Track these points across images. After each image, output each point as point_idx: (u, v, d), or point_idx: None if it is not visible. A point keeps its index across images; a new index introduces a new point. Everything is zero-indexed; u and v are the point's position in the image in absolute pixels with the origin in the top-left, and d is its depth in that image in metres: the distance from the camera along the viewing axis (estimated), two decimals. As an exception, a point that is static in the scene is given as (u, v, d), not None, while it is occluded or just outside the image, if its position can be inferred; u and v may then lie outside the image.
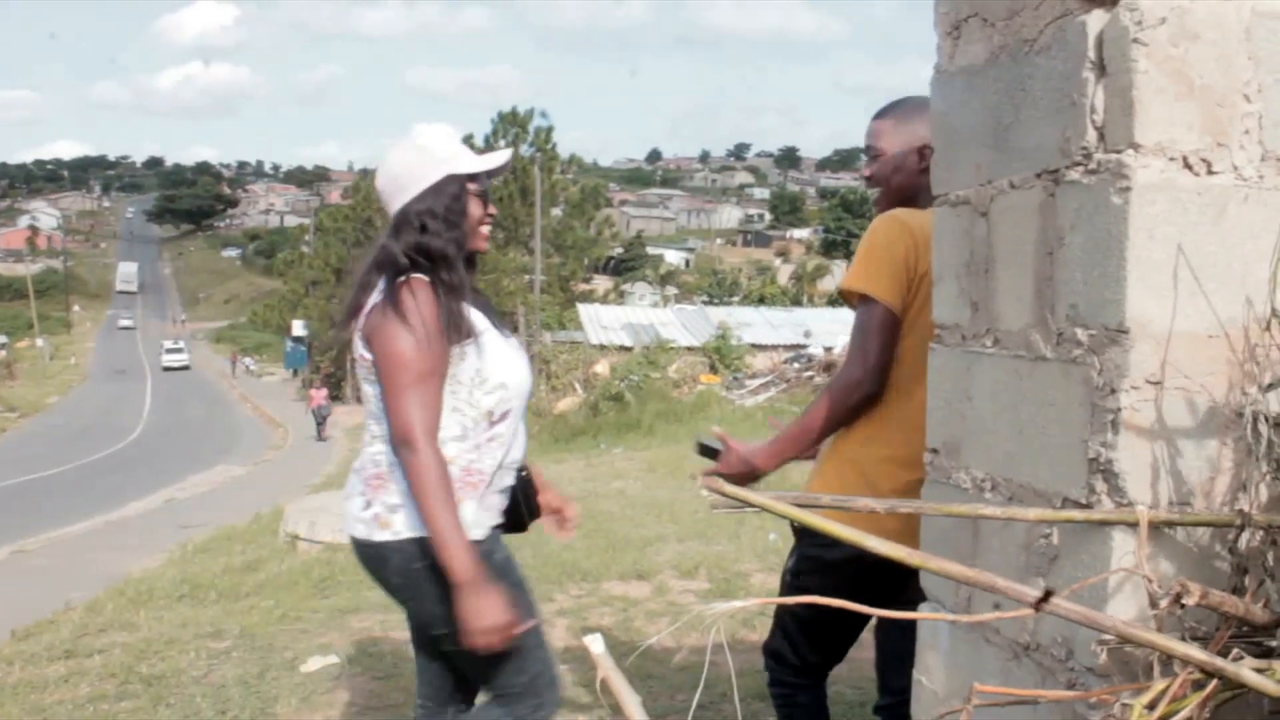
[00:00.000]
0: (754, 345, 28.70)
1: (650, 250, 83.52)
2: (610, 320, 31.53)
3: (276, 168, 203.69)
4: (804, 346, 29.31)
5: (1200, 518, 1.28)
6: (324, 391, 29.74)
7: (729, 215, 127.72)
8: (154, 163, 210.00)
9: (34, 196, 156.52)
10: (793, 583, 2.33)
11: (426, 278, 2.10)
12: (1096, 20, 1.30)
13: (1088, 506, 1.32)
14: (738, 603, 1.20)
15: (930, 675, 1.77)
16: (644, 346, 26.08)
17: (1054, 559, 1.40)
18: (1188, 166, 1.27)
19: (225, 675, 4.21)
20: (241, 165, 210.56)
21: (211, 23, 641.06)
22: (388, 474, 2.13)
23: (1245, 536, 1.25)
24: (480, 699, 2.38)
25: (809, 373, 24.33)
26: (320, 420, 28.12)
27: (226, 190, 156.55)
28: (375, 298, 2.13)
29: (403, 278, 2.09)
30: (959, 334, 1.67)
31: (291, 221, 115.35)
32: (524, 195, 35.45)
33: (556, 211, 40.41)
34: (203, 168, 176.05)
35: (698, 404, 20.42)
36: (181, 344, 61.36)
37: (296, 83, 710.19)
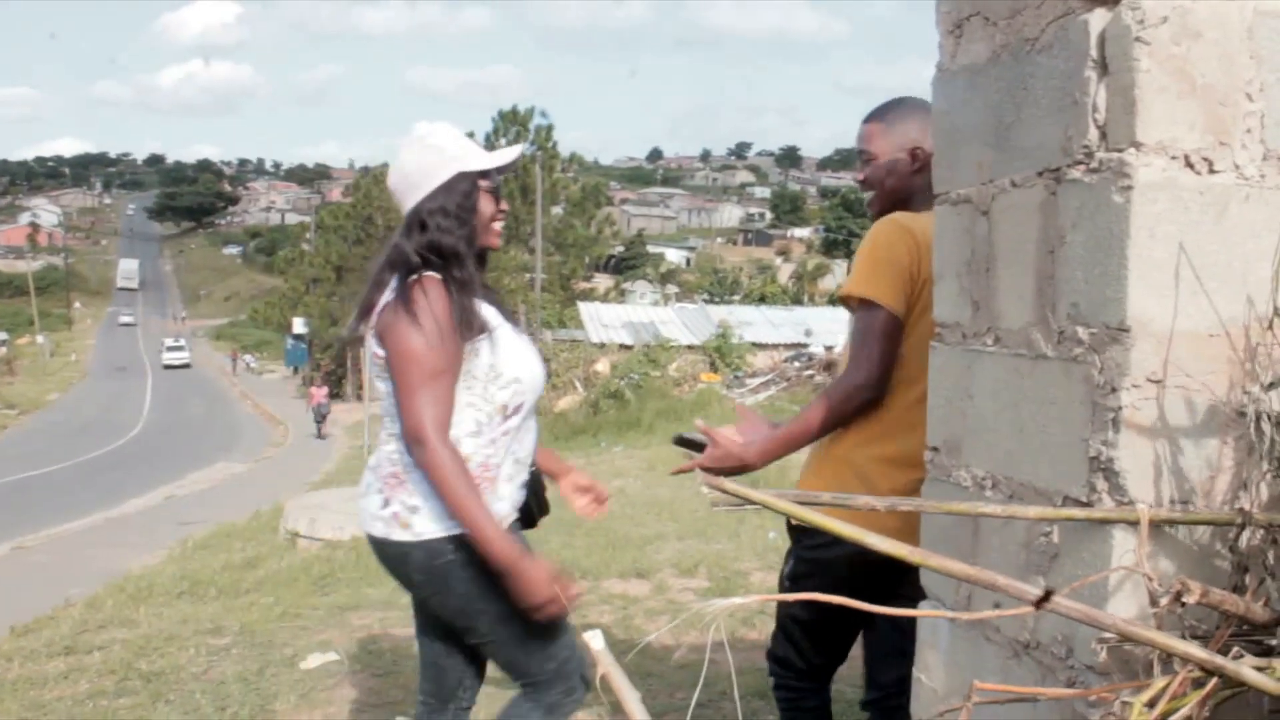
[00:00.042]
0: (754, 344, 28.69)
1: (651, 249, 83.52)
2: (611, 319, 31.52)
3: (277, 165, 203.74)
4: (805, 345, 29.32)
5: (1201, 516, 1.28)
6: (324, 389, 29.74)
7: (730, 214, 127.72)
8: (155, 160, 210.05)
9: (35, 193, 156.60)
10: (792, 588, 2.32)
11: (439, 275, 2.11)
12: (1098, 19, 1.30)
13: (1088, 505, 1.32)
14: (737, 599, 1.20)
15: (930, 673, 1.77)
16: (644, 345, 26.08)
17: (1054, 557, 1.40)
18: (1189, 165, 1.27)
19: (225, 672, 4.21)
20: (242, 163, 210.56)
21: (213, 21, 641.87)
22: (404, 472, 2.14)
23: (1246, 535, 1.25)
24: (488, 698, 2.39)
25: (809, 371, 24.35)
26: (319, 418, 28.11)
27: (227, 188, 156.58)
28: (388, 296, 2.14)
29: (415, 276, 2.10)
30: (960, 332, 1.67)
31: (292, 219, 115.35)
32: (525, 193, 35.42)
33: (557, 210, 40.43)
34: (204, 165, 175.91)
35: (698, 402, 20.40)
36: (182, 341, 61.33)
37: (297, 81, 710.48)
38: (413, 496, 2.12)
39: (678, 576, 5.81)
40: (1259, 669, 1.11)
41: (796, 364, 26.22)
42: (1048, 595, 1.14)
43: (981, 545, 1.59)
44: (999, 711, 1.38)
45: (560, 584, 2.08)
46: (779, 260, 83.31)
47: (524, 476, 2.27)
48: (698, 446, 2.35)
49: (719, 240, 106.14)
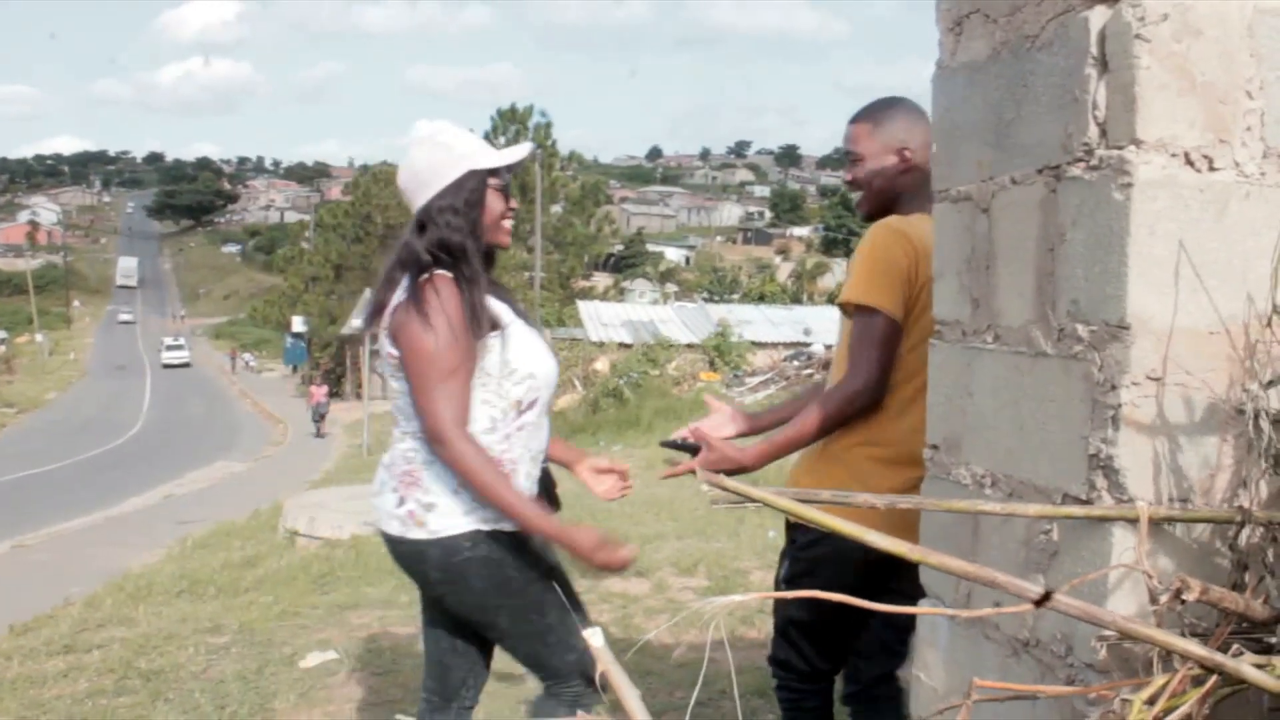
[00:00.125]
0: (754, 343, 28.66)
1: (650, 247, 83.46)
2: (610, 317, 31.49)
3: (277, 164, 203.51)
4: (804, 344, 29.30)
5: (1200, 514, 1.28)
6: (324, 388, 29.70)
7: (729, 213, 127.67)
8: (154, 158, 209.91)
9: (34, 192, 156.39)
10: (789, 589, 2.32)
11: (450, 273, 2.11)
12: (1099, 16, 1.30)
13: (1088, 503, 1.32)
14: (736, 598, 1.20)
15: (929, 671, 1.77)
16: (644, 344, 26.07)
17: (1054, 555, 1.40)
18: (1189, 163, 1.27)
19: (224, 670, 4.21)
20: (242, 161, 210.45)
21: (213, 19, 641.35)
22: (419, 471, 2.15)
23: (1245, 533, 1.25)
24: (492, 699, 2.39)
25: (809, 370, 24.33)
26: (318, 417, 28.08)
27: (227, 186, 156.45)
28: (400, 295, 2.15)
29: (426, 275, 2.11)
30: (960, 330, 1.67)
31: (292, 218, 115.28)
32: (524, 192, 35.40)
33: (557, 208, 40.43)
34: (203, 163, 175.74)
35: (697, 401, 20.41)
36: (182, 340, 61.25)
37: (297, 79, 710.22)
38: (428, 494, 2.13)
39: (677, 575, 5.81)
40: (1258, 666, 1.11)
41: (796, 363, 26.20)
42: (1048, 593, 1.14)
43: (981, 543, 1.59)
44: (998, 710, 1.38)
45: (609, 548, 2.11)
46: (778, 259, 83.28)
47: (538, 472, 2.28)
48: (689, 450, 2.36)
49: (718, 239, 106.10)
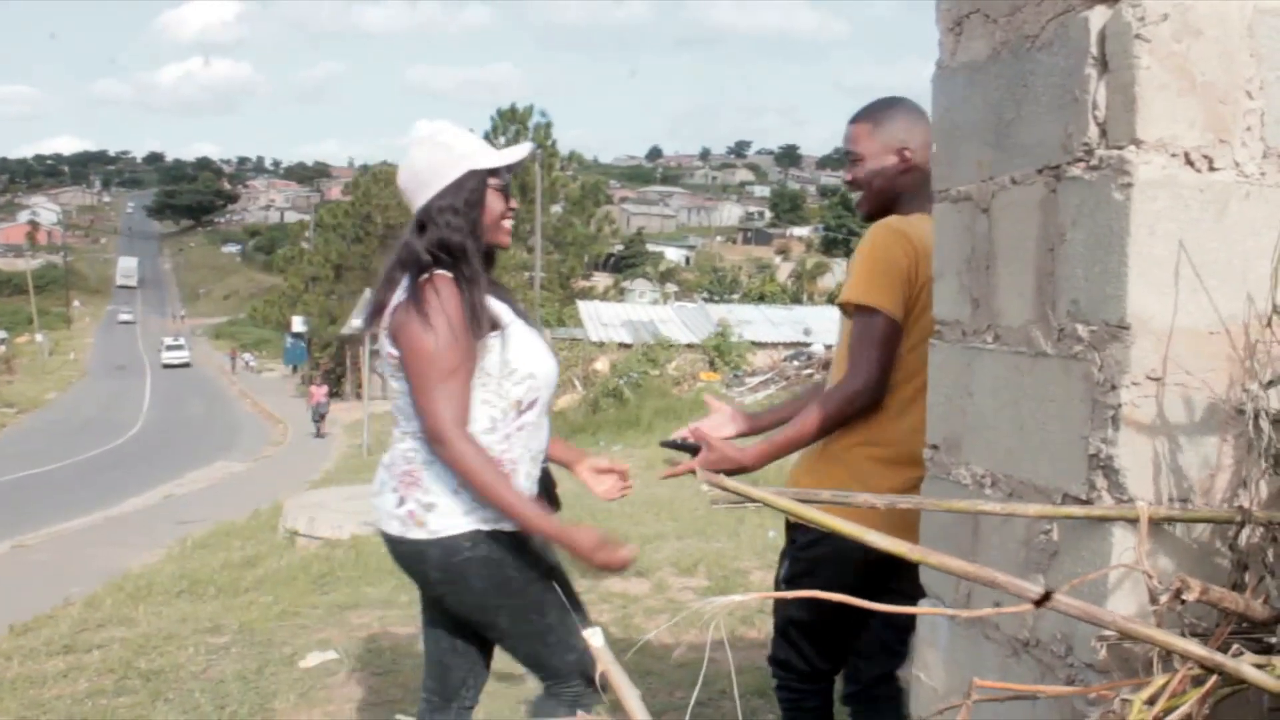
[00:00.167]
0: (754, 343, 28.66)
1: (650, 247, 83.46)
2: (610, 317, 31.49)
3: (277, 164, 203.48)
4: (804, 344, 29.30)
5: (1200, 514, 1.28)
6: (324, 388, 29.69)
7: (729, 213, 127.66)
8: (154, 158, 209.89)
9: (34, 192, 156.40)
10: (788, 589, 2.32)
11: (450, 273, 2.12)
12: (1099, 16, 1.30)
13: (1088, 503, 1.32)
14: (736, 597, 1.20)
15: (929, 671, 1.77)
16: (644, 344, 26.07)
17: (1054, 555, 1.40)
18: (1189, 163, 1.27)
19: (224, 670, 4.21)
20: (242, 161, 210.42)
21: (213, 19, 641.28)
22: (419, 471, 2.15)
23: (1245, 533, 1.25)
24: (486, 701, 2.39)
25: (808, 370, 24.32)
26: (318, 417, 28.07)
27: (227, 186, 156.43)
28: (400, 295, 2.15)
29: (426, 275, 2.11)
30: (960, 330, 1.67)
31: (292, 218, 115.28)
32: (524, 192, 35.41)
33: (556, 208, 40.43)
34: (203, 163, 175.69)
35: (697, 401, 20.40)
36: (182, 340, 61.22)
37: (297, 79, 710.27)
38: (428, 494, 2.13)
39: (677, 575, 5.81)
40: (1258, 666, 1.11)
41: (796, 363, 26.20)
42: (1048, 593, 1.14)
43: (981, 543, 1.59)
44: (998, 710, 1.38)
45: (609, 548, 2.11)
46: (778, 259, 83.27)
47: (538, 472, 2.28)
48: (689, 450, 2.36)
49: (718, 239, 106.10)
